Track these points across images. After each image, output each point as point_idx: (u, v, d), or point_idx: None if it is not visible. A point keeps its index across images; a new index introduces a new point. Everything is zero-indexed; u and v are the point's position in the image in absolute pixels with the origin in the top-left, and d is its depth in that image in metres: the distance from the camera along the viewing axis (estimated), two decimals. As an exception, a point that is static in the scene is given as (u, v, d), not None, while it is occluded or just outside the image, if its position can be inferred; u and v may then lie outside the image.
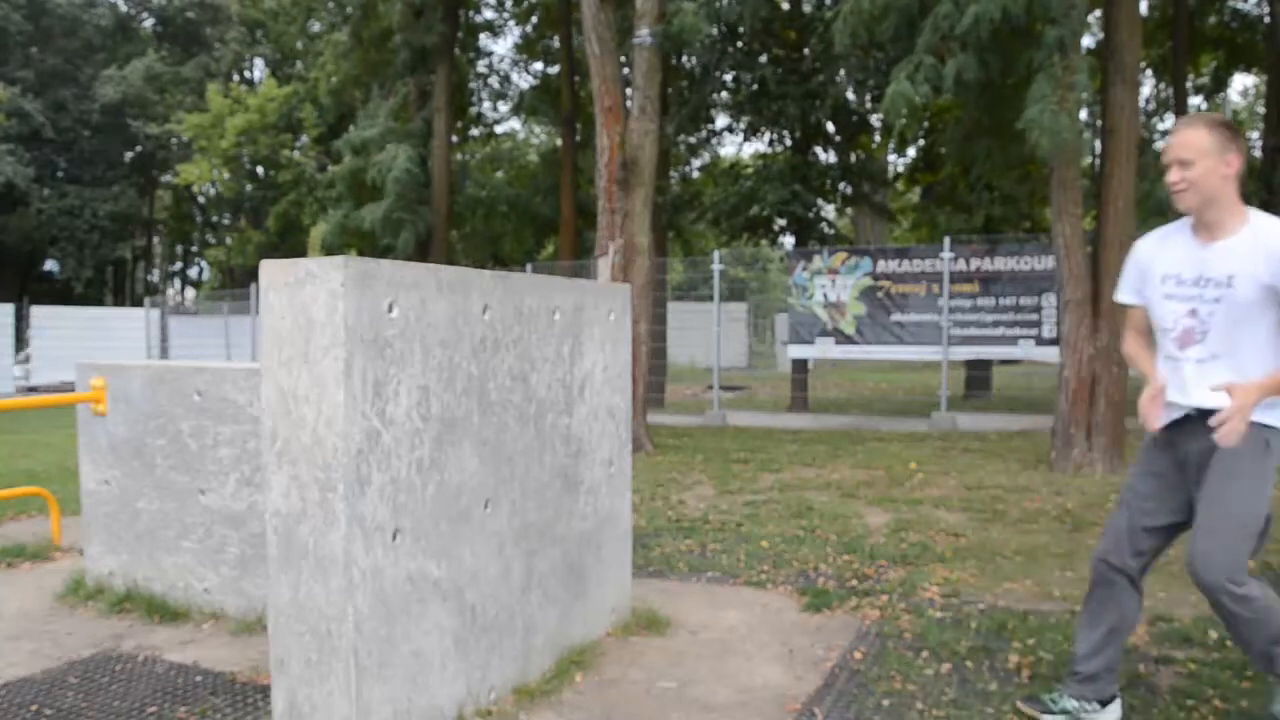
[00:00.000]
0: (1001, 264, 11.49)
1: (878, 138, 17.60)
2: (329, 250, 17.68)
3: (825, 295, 12.36)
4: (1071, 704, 2.79)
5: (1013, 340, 11.49)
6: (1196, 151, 2.60)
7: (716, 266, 13.32)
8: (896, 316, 12.07)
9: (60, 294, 32.38)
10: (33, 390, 18.58)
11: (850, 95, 15.04)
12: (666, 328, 15.36)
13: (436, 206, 16.66)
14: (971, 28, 6.90)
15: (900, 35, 7.99)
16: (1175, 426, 2.74)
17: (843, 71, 13.63)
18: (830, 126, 15.08)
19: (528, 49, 22.14)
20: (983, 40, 7.15)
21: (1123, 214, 7.70)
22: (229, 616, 3.84)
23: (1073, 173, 7.67)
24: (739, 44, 14.48)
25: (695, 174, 22.08)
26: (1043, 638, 3.45)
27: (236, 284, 25.83)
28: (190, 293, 42.41)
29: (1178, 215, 2.78)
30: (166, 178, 35.26)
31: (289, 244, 25.35)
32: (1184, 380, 2.70)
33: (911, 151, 18.41)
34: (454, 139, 18.88)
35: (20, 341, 20.50)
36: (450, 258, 17.71)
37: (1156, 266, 2.80)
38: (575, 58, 16.67)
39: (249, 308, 18.25)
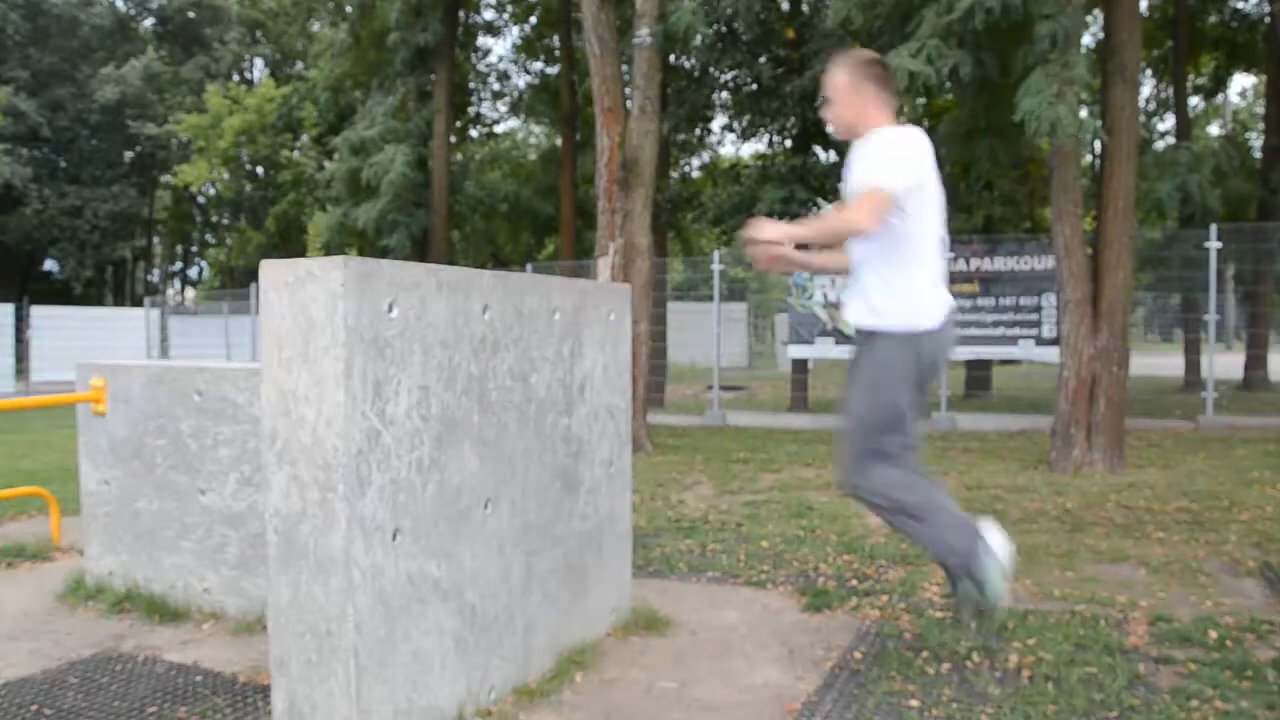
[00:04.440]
0: (1001, 264, 11.49)
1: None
2: (328, 249, 17.70)
3: (825, 295, 12.36)
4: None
5: (1013, 340, 11.50)
6: (834, 89, 3.10)
7: (716, 266, 13.32)
8: (896, 316, 12.05)
9: (60, 294, 32.38)
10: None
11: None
12: (666, 328, 15.36)
13: (436, 206, 16.65)
14: (966, 17, 6.88)
15: (893, 25, 7.97)
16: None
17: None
18: (830, 126, 15.05)
19: (527, 49, 22.13)
20: (979, 35, 7.13)
21: (1123, 214, 7.70)
22: (229, 616, 3.84)
23: (1073, 173, 7.67)
24: (738, 43, 14.47)
25: (695, 174, 22.07)
26: (1043, 638, 3.44)
27: (236, 284, 25.84)
28: (190, 293, 42.42)
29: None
30: (166, 178, 35.25)
31: (289, 244, 25.37)
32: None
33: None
34: (453, 139, 18.87)
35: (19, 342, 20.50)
36: (450, 258, 17.72)
37: None
38: (575, 58, 16.67)
39: (249, 308, 18.25)
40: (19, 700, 3.05)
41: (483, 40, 22.65)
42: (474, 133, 23.78)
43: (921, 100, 15.36)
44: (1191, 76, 19.58)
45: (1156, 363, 20.40)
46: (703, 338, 16.71)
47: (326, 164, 21.75)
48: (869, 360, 2.99)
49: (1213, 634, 3.46)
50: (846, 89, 3.07)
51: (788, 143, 15.28)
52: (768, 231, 2.87)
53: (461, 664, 2.81)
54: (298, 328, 2.46)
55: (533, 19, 20.95)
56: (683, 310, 21.34)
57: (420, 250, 16.62)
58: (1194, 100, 21.92)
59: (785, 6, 15.14)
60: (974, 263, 11.59)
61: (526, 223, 21.08)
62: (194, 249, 40.67)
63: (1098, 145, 8.87)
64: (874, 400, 2.95)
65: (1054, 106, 6.75)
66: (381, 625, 2.51)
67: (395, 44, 16.67)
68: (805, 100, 13.78)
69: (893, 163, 2.85)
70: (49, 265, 35.36)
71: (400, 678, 2.58)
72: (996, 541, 2.97)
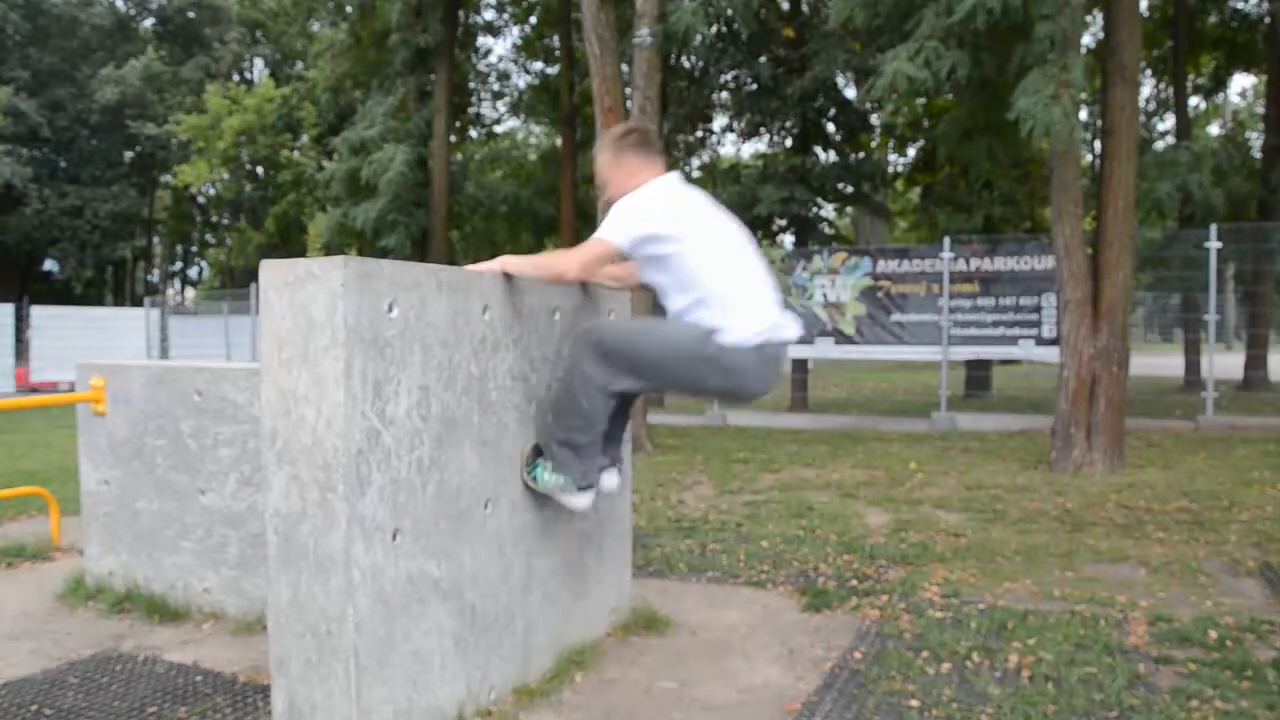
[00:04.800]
0: (1001, 264, 11.49)
1: (877, 137, 17.60)
2: (328, 249, 17.69)
3: (825, 295, 12.36)
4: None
5: (1013, 340, 11.50)
6: (602, 171, 3.24)
7: (716, 266, 13.29)
8: (896, 316, 12.07)
9: (60, 294, 32.35)
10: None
11: (849, 93, 15.06)
12: (667, 328, 15.33)
13: (435, 206, 16.64)
14: (968, 18, 6.87)
15: (893, 25, 7.98)
16: None
17: (839, 66, 13.63)
18: (830, 126, 15.07)
19: (527, 49, 22.12)
20: (978, 35, 7.13)
21: (1123, 214, 7.70)
22: (229, 616, 3.84)
23: (1072, 173, 7.67)
24: (738, 43, 14.48)
25: (695, 174, 22.07)
26: (1043, 638, 3.45)
27: (236, 284, 25.83)
28: (190, 293, 42.41)
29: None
30: (166, 178, 35.25)
31: (289, 244, 25.34)
32: None
33: (911, 151, 18.40)
34: (453, 139, 18.87)
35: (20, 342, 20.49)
36: (450, 258, 17.71)
37: None
38: (575, 58, 16.67)
39: (249, 308, 18.24)
40: (19, 700, 3.05)
41: (483, 40, 22.64)
42: (474, 133, 23.76)
43: (921, 100, 15.36)
44: (1191, 76, 19.58)
45: (1156, 363, 20.40)
46: (703, 338, 16.66)
47: (326, 164, 21.73)
48: (671, 320, 3.08)
49: (1213, 634, 3.46)
50: (611, 165, 3.21)
51: (788, 142, 15.29)
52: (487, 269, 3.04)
53: (461, 664, 2.81)
54: (298, 328, 2.46)
55: (533, 19, 20.94)
56: (683, 310, 21.29)
57: (420, 250, 16.61)
58: (1194, 100, 21.92)
59: (785, 6, 15.14)
60: (974, 263, 11.59)
61: (526, 223, 21.05)
62: (194, 249, 40.64)
63: (1098, 145, 8.87)
64: (649, 342, 3.05)
65: (1049, 107, 6.75)
66: (381, 625, 2.51)
67: (395, 44, 16.66)
68: (805, 100, 13.79)
69: (620, 217, 2.99)
70: (49, 265, 35.33)
71: (400, 678, 2.58)
72: (582, 498, 3.11)
